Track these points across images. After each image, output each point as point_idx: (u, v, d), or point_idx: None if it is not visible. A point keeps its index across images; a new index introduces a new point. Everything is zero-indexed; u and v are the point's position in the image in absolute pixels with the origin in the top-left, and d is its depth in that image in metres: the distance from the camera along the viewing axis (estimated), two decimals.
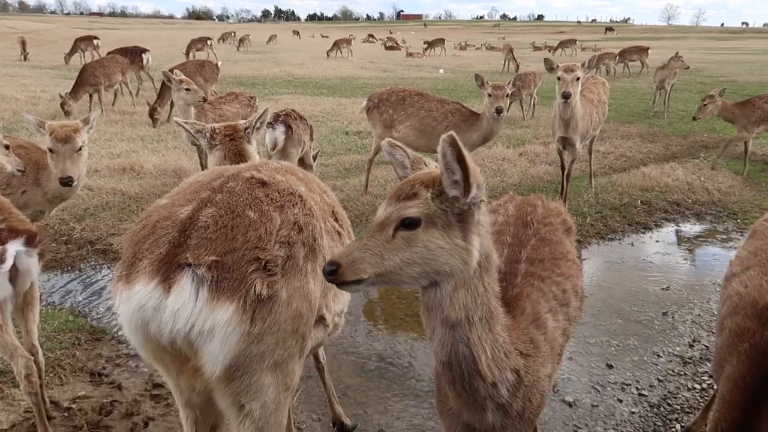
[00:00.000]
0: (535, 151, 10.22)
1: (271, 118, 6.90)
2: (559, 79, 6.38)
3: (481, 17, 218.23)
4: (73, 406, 3.54)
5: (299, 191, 2.31)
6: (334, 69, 26.50)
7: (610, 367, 4.21)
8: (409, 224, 1.77)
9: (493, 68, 27.54)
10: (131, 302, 1.91)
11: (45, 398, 3.23)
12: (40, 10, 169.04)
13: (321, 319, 2.42)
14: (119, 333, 4.49)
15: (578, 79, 6.37)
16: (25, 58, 26.74)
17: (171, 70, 12.80)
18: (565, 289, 2.43)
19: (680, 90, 18.37)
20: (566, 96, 6.32)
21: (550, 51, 38.85)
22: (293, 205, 2.21)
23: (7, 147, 4.24)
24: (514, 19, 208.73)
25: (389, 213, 1.81)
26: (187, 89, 6.99)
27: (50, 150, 4.31)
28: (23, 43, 27.47)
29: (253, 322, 1.94)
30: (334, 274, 1.75)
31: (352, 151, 10.20)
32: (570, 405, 3.77)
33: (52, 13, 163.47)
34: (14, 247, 2.78)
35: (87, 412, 3.49)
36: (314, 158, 7.63)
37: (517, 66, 25.38)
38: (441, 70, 26.42)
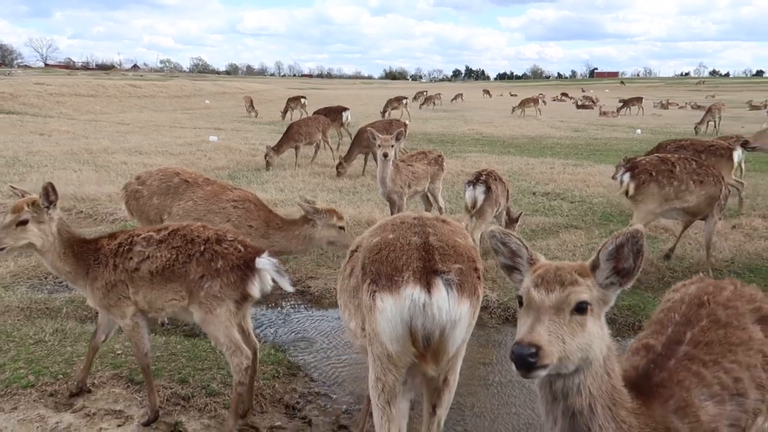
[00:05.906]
0: (752, 224, 9.05)
1: (473, 176, 7.13)
2: None
3: (687, 74, 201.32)
4: None
5: (462, 226, 3.11)
6: (522, 128, 26.46)
7: None
8: (581, 309, 1.82)
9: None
10: (402, 302, 2.47)
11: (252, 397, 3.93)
12: (262, 73, 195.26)
13: None
14: (312, 371, 4.85)
15: None
16: (256, 115, 30.90)
17: (364, 128, 13.97)
18: (738, 378, 2.17)
19: None
20: None
21: None
22: (465, 236, 2.91)
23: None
24: (727, 75, 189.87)
25: (562, 296, 1.80)
26: (380, 145, 7.62)
27: None
28: (251, 102, 31.89)
29: (473, 315, 2.61)
30: (535, 356, 1.65)
31: (539, 212, 9.99)
32: None
33: (272, 75, 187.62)
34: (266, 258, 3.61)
35: None
36: (517, 219, 7.83)
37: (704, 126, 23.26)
38: (638, 131, 24.98)
